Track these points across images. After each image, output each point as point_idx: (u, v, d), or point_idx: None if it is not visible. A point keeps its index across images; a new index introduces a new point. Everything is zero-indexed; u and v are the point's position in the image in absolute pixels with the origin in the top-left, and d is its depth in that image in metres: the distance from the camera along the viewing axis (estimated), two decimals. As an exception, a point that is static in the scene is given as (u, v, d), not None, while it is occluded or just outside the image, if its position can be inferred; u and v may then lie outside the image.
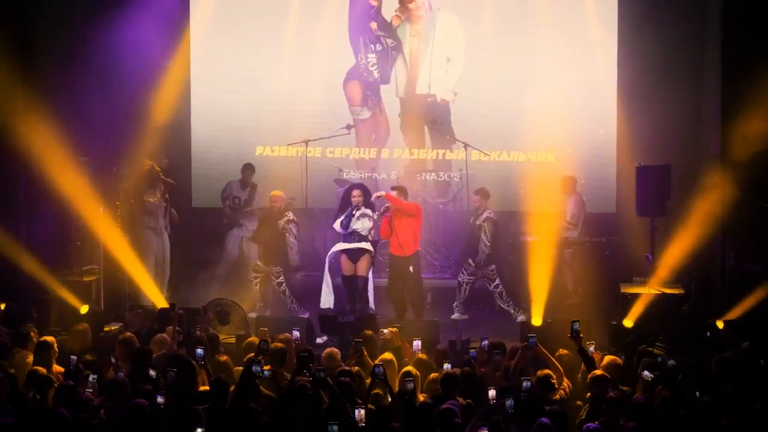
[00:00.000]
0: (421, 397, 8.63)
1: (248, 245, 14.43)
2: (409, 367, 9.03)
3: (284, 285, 13.56)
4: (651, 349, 10.67)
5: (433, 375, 8.98)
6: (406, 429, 7.86)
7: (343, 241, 12.94)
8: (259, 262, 13.68)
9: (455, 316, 13.72)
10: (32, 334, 10.24)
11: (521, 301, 13.51)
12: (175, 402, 8.22)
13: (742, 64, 13.03)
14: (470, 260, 13.68)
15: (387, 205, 12.90)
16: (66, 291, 12.60)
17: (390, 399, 8.45)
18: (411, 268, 13.03)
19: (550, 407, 8.07)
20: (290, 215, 13.64)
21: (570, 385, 9.12)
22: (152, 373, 8.93)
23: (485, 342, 9.90)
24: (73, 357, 9.26)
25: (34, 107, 13.13)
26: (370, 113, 15.75)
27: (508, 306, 13.54)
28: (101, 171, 13.65)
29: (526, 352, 9.33)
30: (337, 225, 12.89)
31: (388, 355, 9.46)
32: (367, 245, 12.86)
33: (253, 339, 10.30)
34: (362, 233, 12.83)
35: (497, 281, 13.58)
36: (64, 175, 13.04)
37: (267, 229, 13.67)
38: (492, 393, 7.97)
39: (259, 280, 13.64)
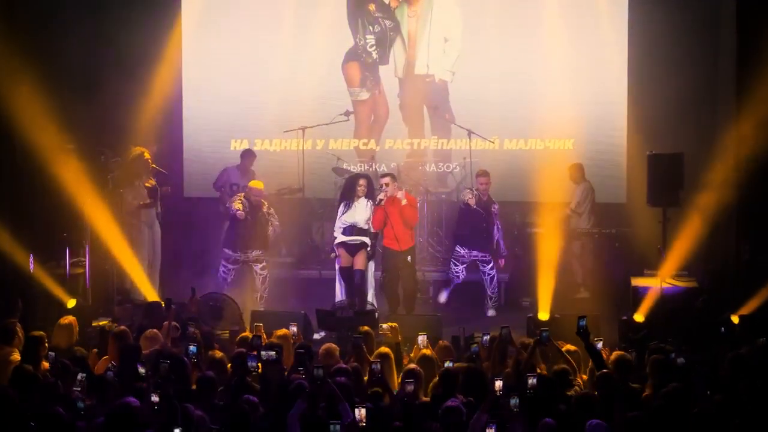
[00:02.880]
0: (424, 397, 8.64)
1: None
2: (412, 365, 9.04)
3: (266, 271, 13.56)
4: (663, 345, 10.67)
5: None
6: (406, 428, 7.87)
7: (342, 233, 12.98)
8: (230, 252, 13.58)
9: (491, 313, 13.71)
10: (17, 329, 10.25)
11: (526, 294, 13.53)
12: (168, 399, 8.22)
13: (758, 48, 13.01)
14: (459, 247, 13.65)
15: (380, 197, 12.90)
16: (52, 284, 12.60)
17: (389, 398, 8.47)
18: (409, 259, 13.05)
19: (559, 407, 8.06)
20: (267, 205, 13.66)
21: (582, 381, 9.15)
22: (142, 370, 8.94)
23: (486, 337, 9.93)
24: (52, 354, 9.27)
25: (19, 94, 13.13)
26: (369, 94, 15.91)
27: (492, 293, 13.56)
28: (89, 160, 13.65)
29: (538, 347, 9.36)
30: (337, 226, 12.98)
31: (384, 350, 9.51)
32: (365, 239, 12.89)
33: (247, 334, 10.34)
34: (360, 226, 12.84)
35: (492, 264, 13.59)
36: (50, 165, 13.05)
37: (249, 219, 13.65)
38: (499, 384, 7.98)
39: (235, 269, 13.60)
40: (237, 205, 13.30)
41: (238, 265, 13.55)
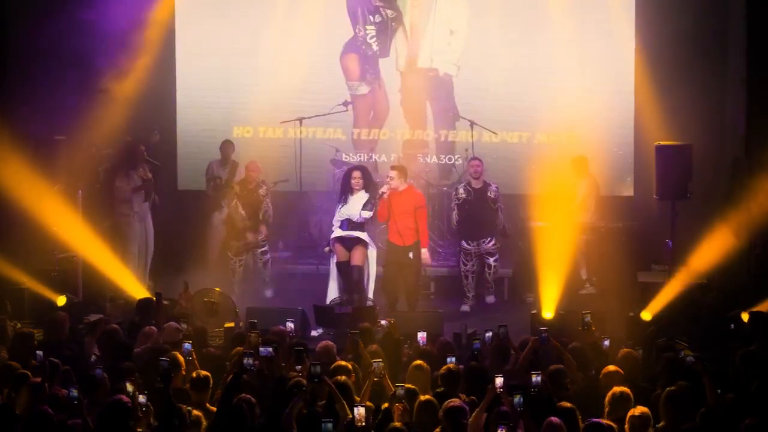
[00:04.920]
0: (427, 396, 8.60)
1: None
2: (418, 361, 9.01)
3: (268, 255, 13.63)
4: (672, 342, 10.66)
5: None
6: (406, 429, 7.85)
7: (339, 228, 12.95)
8: (248, 235, 13.69)
9: (491, 299, 13.71)
10: (8, 327, 10.24)
11: (530, 290, 13.48)
12: (161, 397, 8.21)
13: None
14: (466, 242, 13.59)
15: (383, 190, 12.82)
16: (41, 281, 12.56)
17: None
18: (411, 255, 13.01)
19: (561, 404, 8.05)
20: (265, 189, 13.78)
21: (581, 379, 9.13)
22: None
23: (488, 335, 9.92)
24: (40, 353, 9.24)
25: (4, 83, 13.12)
26: (368, 88, 15.77)
27: (491, 281, 13.61)
28: (80, 151, 13.62)
29: (536, 346, 9.36)
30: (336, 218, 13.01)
31: (373, 347, 9.52)
32: (362, 234, 12.84)
33: (242, 331, 10.33)
34: (355, 220, 12.81)
35: (497, 256, 13.59)
36: (39, 156, 13.02)
37: (248, 201, 13.67)
38: (499, 381, 7.95)
39: (244, 261, 13.64)
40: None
41: (242, 255, 13.59)
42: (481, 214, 13.50)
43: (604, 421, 7.71)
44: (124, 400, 7.82)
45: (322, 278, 13.33)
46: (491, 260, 13.61)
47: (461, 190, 13.57)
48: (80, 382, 8.61)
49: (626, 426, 7.75)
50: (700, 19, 14.56)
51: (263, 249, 13.75)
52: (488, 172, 13.91)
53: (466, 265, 13.63)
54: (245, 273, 13.93)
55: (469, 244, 13.59)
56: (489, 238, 13.59)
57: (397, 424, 7.70)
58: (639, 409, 7.81)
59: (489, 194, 13.50)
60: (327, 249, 13.14)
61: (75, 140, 13.58)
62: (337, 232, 12.91)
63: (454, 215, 13.63)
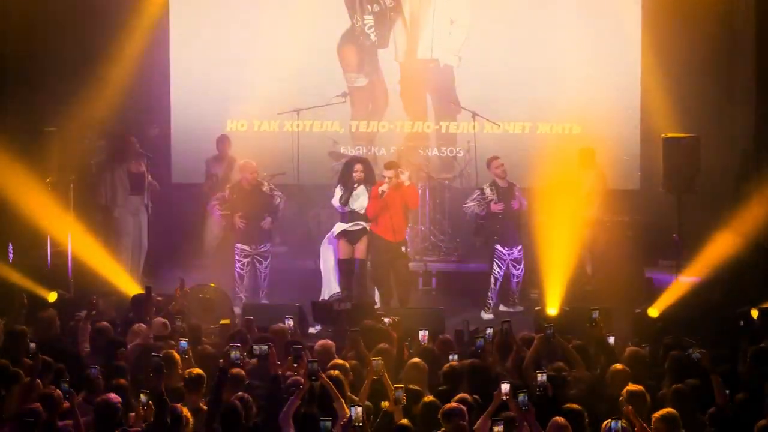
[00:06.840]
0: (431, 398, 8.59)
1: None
2: (416, 359, 9.00)
3: (268, 269, 13.52)
4: (679, 340, 10.64)
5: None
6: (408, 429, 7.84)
7: (341, 221, 12.90)
8: (244, 246, 13.53)
9: (520, 308, 13.47)
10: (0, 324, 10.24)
11: (534, 286, 13.46)
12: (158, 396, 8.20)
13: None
14: (500, 246, 13.44)
15: (382, 188, 12.74)
16: (32, 276, 12.53)
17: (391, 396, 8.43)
18: (403, 249, 12.97)
19: (567, 405, 8.03)
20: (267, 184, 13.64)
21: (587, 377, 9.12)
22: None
23: (489, 331, 9.90)
24: (32, 345, 9.22)
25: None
26: (366, 80, 15.70)
27: (516, 293, 13.48)
28: (71, 143, 13.60)
29: (543, 343, 9.34)
30: (335, 201, 12.84)
31: (382, 346, 9.46)
32: (367, 225, 12.82)
33: (241, 329, 10.31)
34: (360, 212, 12.78)
35: (523, 263, 13.47)
36: (29, 148, 13.00)
37: (248, 205, 13.58)
38: (506, 387, 7.93)
39: (249, 265, 13.60)
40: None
41: (249, 258, 13.48)
42: (510, 216, 13.34)
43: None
44: (114, 400, 7.82)
45: (321, 274, 13.29)
46: (517, 271, 13.50)
47: (488, 190, 13.43)
48: (73, 379, 8.61)
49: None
50: (709, 9, 14.54)
51: (267, 263, 13.52)
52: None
53: (500, 268, 13.42)
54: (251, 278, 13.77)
55: (503, 248, 13.47)
56: (518, 246, 13.47)
57: (405, 421, 7.70)
58: (663, 411, 7.75)
59: (515, 193, 13.39)
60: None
61: (66, 132, 13.54)
62: (341, 226, 12.85)
63: (475, 207, 13.33)
